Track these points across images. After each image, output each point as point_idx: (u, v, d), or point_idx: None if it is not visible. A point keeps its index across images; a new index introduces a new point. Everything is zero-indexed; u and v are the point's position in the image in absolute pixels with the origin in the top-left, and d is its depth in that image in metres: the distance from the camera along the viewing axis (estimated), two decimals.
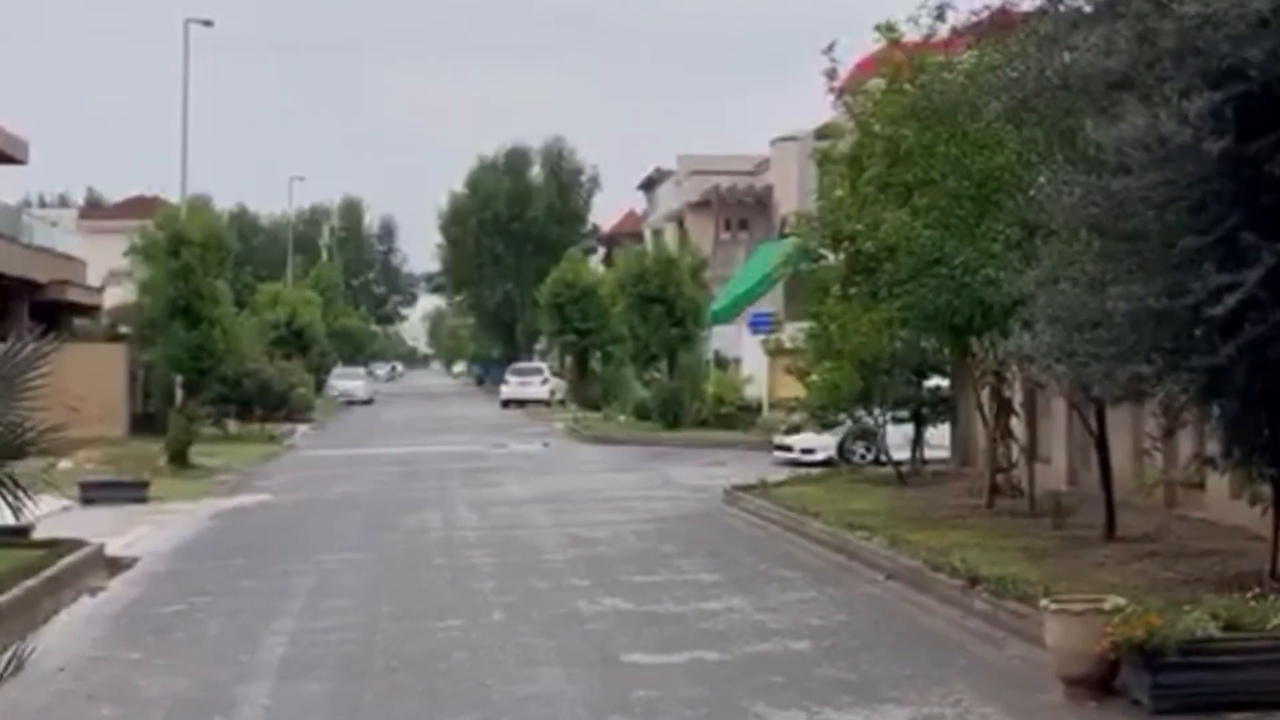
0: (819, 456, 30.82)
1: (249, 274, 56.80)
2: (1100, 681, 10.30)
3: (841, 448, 30.86)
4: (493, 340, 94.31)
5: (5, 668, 12.32)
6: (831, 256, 22.23)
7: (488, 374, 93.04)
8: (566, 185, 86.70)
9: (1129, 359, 11.68)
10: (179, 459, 31.86)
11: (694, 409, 42.63)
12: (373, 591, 16.03)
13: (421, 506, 24.88)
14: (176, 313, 36.56)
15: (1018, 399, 21.93)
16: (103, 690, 11.34)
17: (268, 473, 33.16)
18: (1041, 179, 12.71)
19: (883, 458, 27.25)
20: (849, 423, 28.97)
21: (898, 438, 27.35)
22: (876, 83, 21.19)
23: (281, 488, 29.05)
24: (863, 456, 30.19)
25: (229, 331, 38.01)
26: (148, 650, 12.95)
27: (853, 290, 22.06)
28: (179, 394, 37.48)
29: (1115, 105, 12.12)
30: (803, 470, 26.21)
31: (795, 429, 31.99)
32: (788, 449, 32.59)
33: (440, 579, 16.88)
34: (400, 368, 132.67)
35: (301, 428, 48.33)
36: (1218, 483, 17.41)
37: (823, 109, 23.87)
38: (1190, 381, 11.72)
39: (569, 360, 66.05)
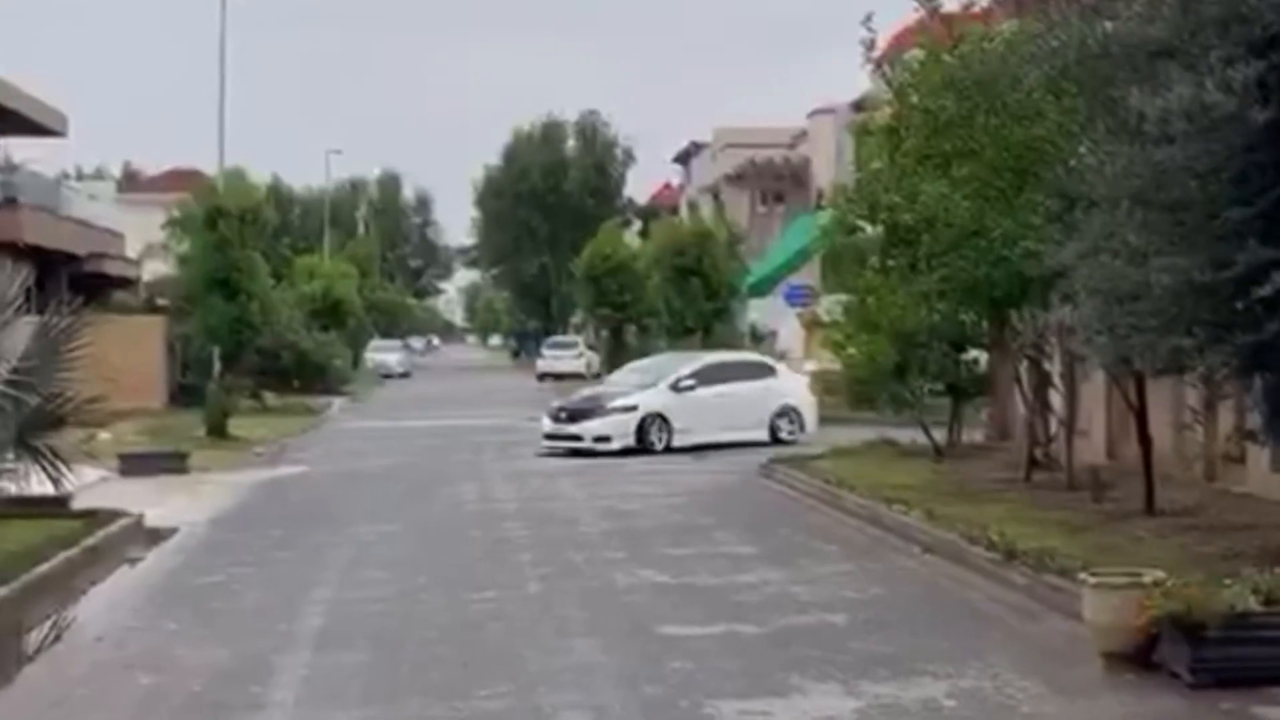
0: (615, 445, 28.55)
1: (285, 246, 56.85)
2: (1139, 655, 10.23)
3: (641, 433, 28.89)
4: (528, 313, 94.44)
5: (45, 637, 12.42)
6: (869, 228, 22.14)
7: (523, 347, 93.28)
8: (602, 158, 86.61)
9: (1170, 332, 11.56)
10: (217, 431, 32.00)
11: None
12: (409, 563, 16.06)
13: (457, 479, 24.92)
14: (214, 285, 36.70)
15: (1056, 372, 21.79)
16: (141, 659, 11.38)
17: (305, 444, 33.27)
18: (1083, 149, 12.58)
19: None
20: (638, 396, 28.86)
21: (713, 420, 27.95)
22: (915, 53, 21.08)
23: (318, 459, 29.15)
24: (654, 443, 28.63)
25: (266, 304, 38.14)
26: (185, 620, 13.01)
27: (890, 262, 21.99)
28: (217, 366, 37.60)
29: (1158, 74, 11.98)
30: (841, 442, 26.06)
31: (582, 412, 29.38)
32: (573, 438, 29.00)
33: (476, 550, 16.90)
34: (437, 341, 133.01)
35: (338, 400, 48.46)
36: (1258, 456, 17.29)
37: (860, 81, 23.80)
38: (1232, 355, 11.60)
39: (605, 333, 66.05)
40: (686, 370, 30.08)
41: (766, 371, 31.70)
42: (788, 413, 30.57)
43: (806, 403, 31.06)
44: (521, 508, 20.97)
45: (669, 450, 28.67)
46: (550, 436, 29.21)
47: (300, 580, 14.93)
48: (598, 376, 61.22)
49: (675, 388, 29.26)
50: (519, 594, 13.98)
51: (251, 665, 11.09)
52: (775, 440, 29.79)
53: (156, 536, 18.27)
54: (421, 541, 17.85)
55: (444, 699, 9.90)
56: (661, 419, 29.11)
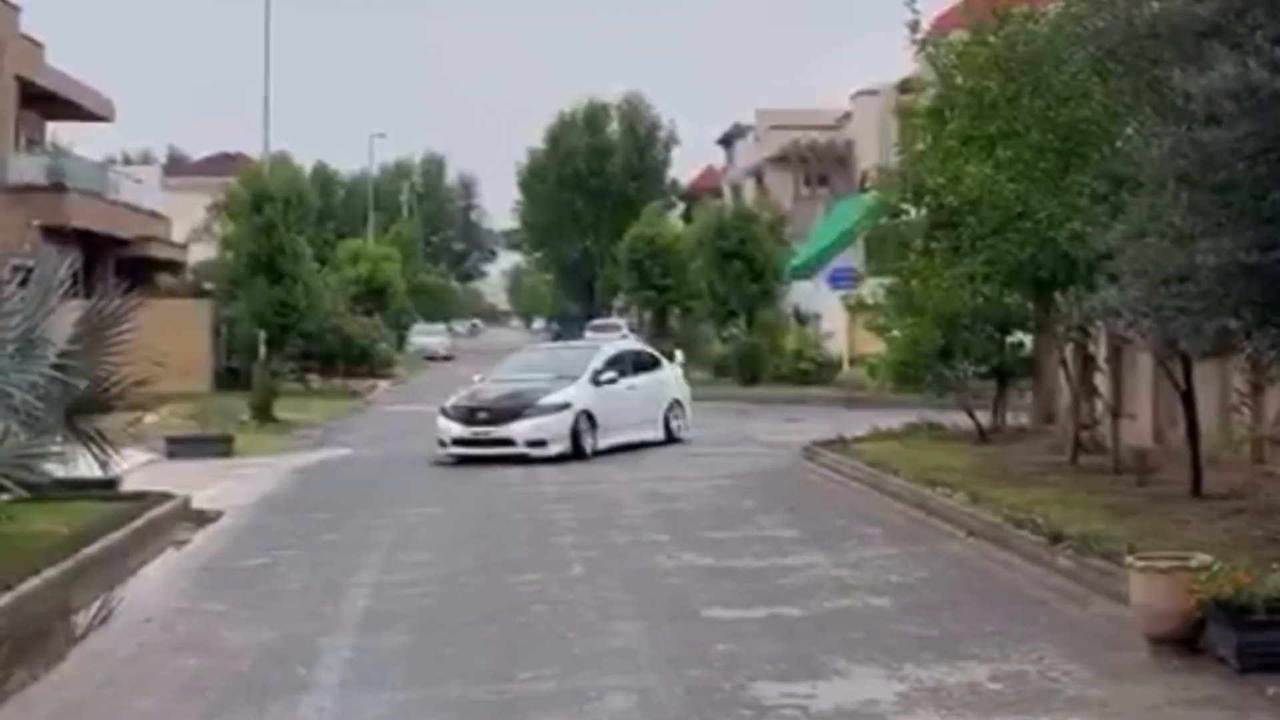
0: (552, 450, 24.77)
1: (329, 230, 57.08)
2: (1186, 639, 10.17)
3: (574, 434, 25.20)
4: (571, 296, 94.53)
5: (94, 618, 12.55)
6: (913, 211, 22.04)
7: (565, 330, 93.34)
8: (645, 141, 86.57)
9: (1217, 314, 11.47)
10: (263, 414, 32.20)
11: (773, 365, 42.55)
12: (453, 545, 16.13)
13: (500, 462, 24.96)
14: (259, 268, 36.90)
15: (1102, 354, 21.67)
16: (188, 641, 11.47)
17: (349, 428, 33.44)
18: (1129, 130, 12.48)
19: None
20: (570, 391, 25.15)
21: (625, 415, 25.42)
22: (960, 34, 20.94)
23: (363, 442, 29.28)
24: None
25: (311, 287, 38.33)
26: (232, 602, 13.10)
27: (934, 245, 21.87)
28: (262, 350, 37.82)
29: (1205, 54, 11.86)
30: (884, 425, 26.00)
31: (508, 411, 25.06)
32: (502, 442, 24.77)
33: (519, 533, 16.96)
34: (480, 324, 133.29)
35: (383, 383, 48.67)
36: None
37: (904, 62, 23.67)
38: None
39: (647, 316, 66.06)
40: (599, 361, 26.75)
41: (656, 363, 28.99)
42: (676, 406, 28.35)
43: (686, 395, 29.09)
44: (564, 490, 21.02)
45: (595, 454, 25.33)
46: (463, 442, 24.80)
47: (345, 563, 15.01)
48: None
49: (596, 381, 25.96)
50: (563, 576, 14.02)
51: (297, 647, 11.15)
52: (670, 438, 27.59)
53: (203, 519, 18.41)
54: (465, 524, 17.92)
55: (487, 681, 9.94)
56: (589, 417, 25.63)
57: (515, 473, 23.51)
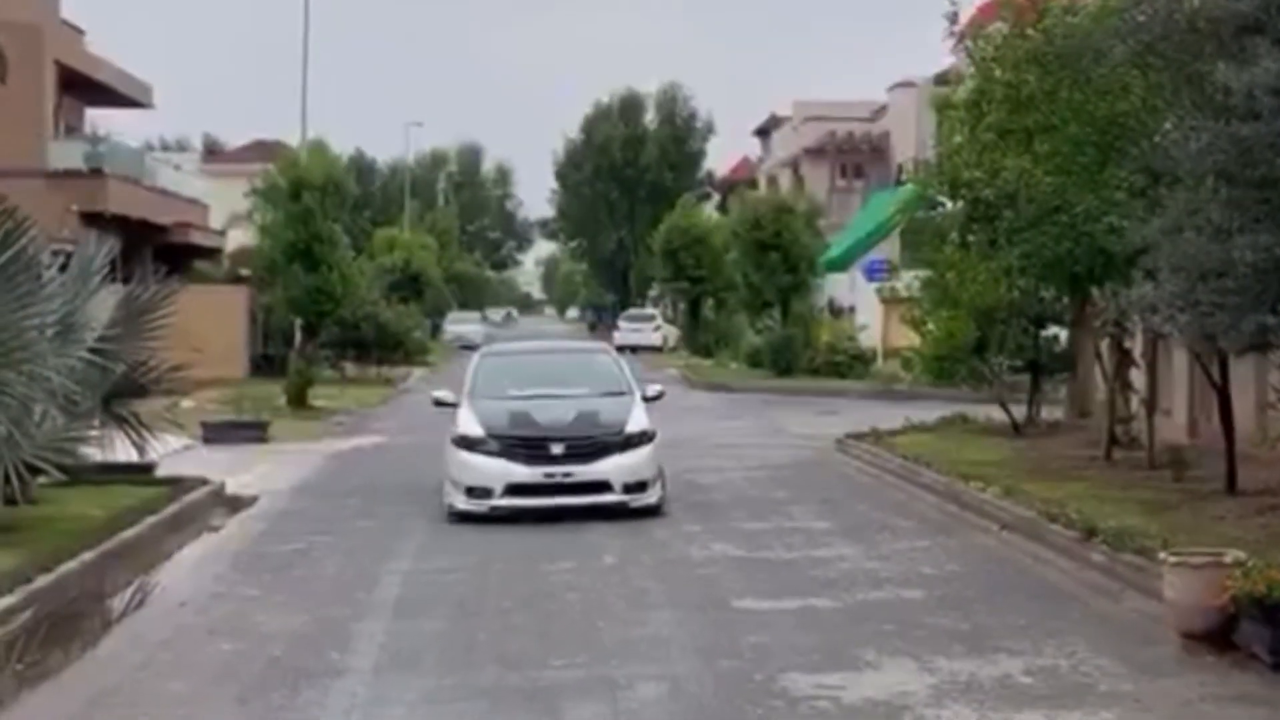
0: (651, 498, 17.31)
1: (366, 219, 57.23)
2: (1219, 636, 10.15)
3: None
4: (606, 286, 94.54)
5: (130, 602, 12.65)
6: (950, 204, 21.98)
7: (600, 320, 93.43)
8: (681, 131, 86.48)
9: (1254, 309, 11.42)
10: (298, 400, 32.36)
11: (807, 357, 42.47)
12: (485, 533, 16.17)
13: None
14: (296, 256, 37.00)
15: (1138, 350, 21.57)
16: (223, 625, 11.57)
17: (383, 415, 33.57)
18: (1168, 125, 12.43)
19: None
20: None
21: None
22: (998, 27, 20.87)
23: (397, 430, 29.38)
24: None
25: (347, 275, 38.43)
26: (267, 587, 13.19)
27: (971, 238, 21.82)
28: (298, 337, 37.95)
29: (1245, 49, 11.81)
30: (917, 418, 25.93)
31: (591, 445, 17.17)
32: (595, 488, 17.07)
33: (552, 524, 16.97)
34: (515, 313, 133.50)
35: (417, 371, 48.78)
36: None
37: (943, 54, 23.60)
38: None
39: (681, 307, 66.04)
40: (627, 370, 19.33)
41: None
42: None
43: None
44: None
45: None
46: (528, 490, 16.97)
47: (379, 549, 15.09)
48: (675, 349, 61.43)
49: (645, 397, 18.34)
50: (595, 565, 14.06)
51: (331, 632, 11.23)
52: None
53: (238, 504, 18.53)
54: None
55: (519, 668, 9.99)
56: None
57: None
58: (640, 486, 17.08)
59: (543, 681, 9.65)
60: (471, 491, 16.91)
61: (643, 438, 17.33)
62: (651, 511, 16.95)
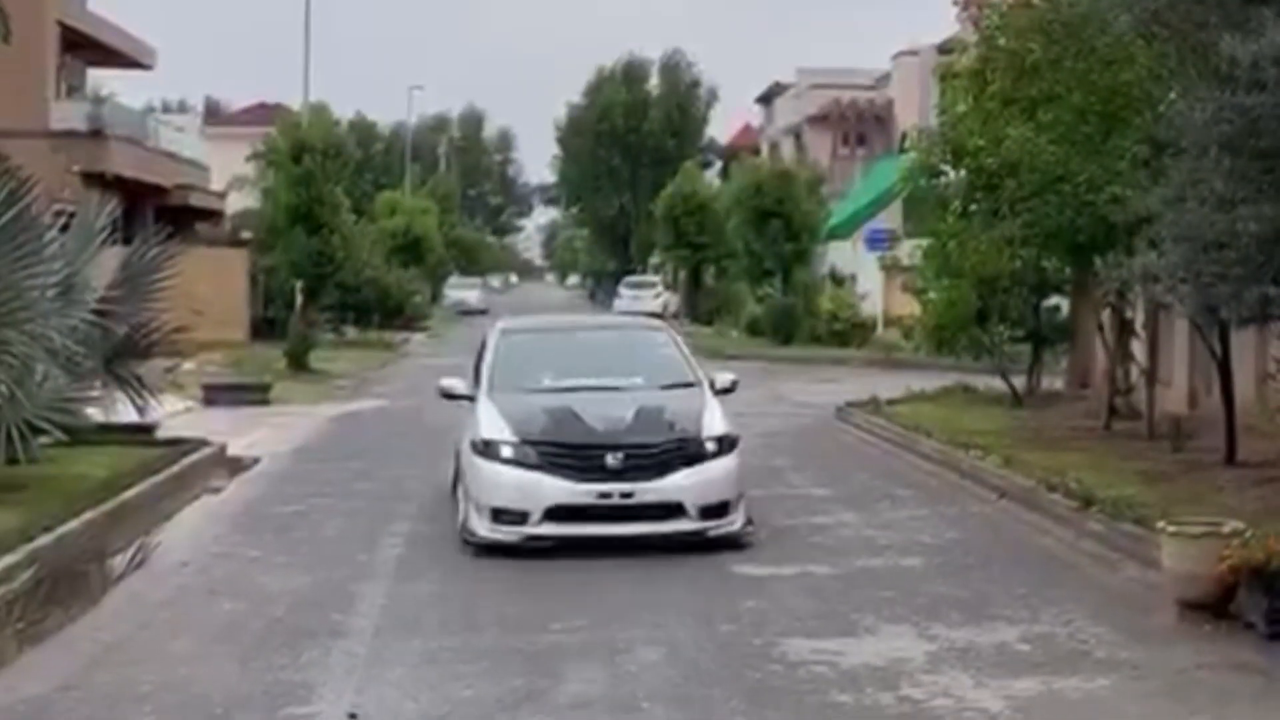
0: (735, 524, 13.22)
1: (368, 182, 57.18)
2: (1216, 605, 10.19)
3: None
4: (606, 253, 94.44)
5: (130, 561, 12.69)
6: (952, 173, 21.95)
7: (600, 287, 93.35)
8: (684, 98, 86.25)
9: (1257, 280, 11.43)
10: (298, 363, 32.42)
11: (808, 325, 42.47)
12: None
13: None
14: (298, 219, 37.02)
15: (1139, 321, 21.58)
16: (224, 585, 11.62)
17: (384, 379, 33.62)
18: (1172, 95, 12.41)
19: None
20: None
21: None
22: None
23: (397, 394, 29.42)
24: None
25: (348, 239, 38.46)
26: (268, 548, 13.23)
27: (973, 207, 21.80)
28: (299, 300, 37.97)
29: (1250, 20, 11.78)
30: (917, 387, 25.94)
31: (655, 455, 13.09)
32: (664, 512, 12.99)
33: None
34: (515, 279, 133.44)
35: (417, 336, 48.90)
36: None
37: (946, 23, 23.56)
38: None
39: (682, 274, 65.98)
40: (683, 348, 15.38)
41: None
42: None
43: None
44: None
45: None
46: (577, 514, 12.93)
47: (380, 512, 15.13)
48: (676, 317, 61.44)
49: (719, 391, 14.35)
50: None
51: (332, 593, 11.28)
52: None
53: (239, 466, 18.57)
54: None
55: (520, 631, 10.03)
56: None
57: None
58: (720, 510, 12.91)
59: (542, 644, 9.69)
60: (499, 515, 12.65)
61: (724, 445, 13.21)
62: (731, 543, 12.84)
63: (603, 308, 76.83)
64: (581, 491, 12.73)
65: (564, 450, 12.84)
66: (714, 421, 13.44)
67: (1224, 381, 17.14)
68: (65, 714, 8.23)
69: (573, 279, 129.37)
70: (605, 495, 12.73)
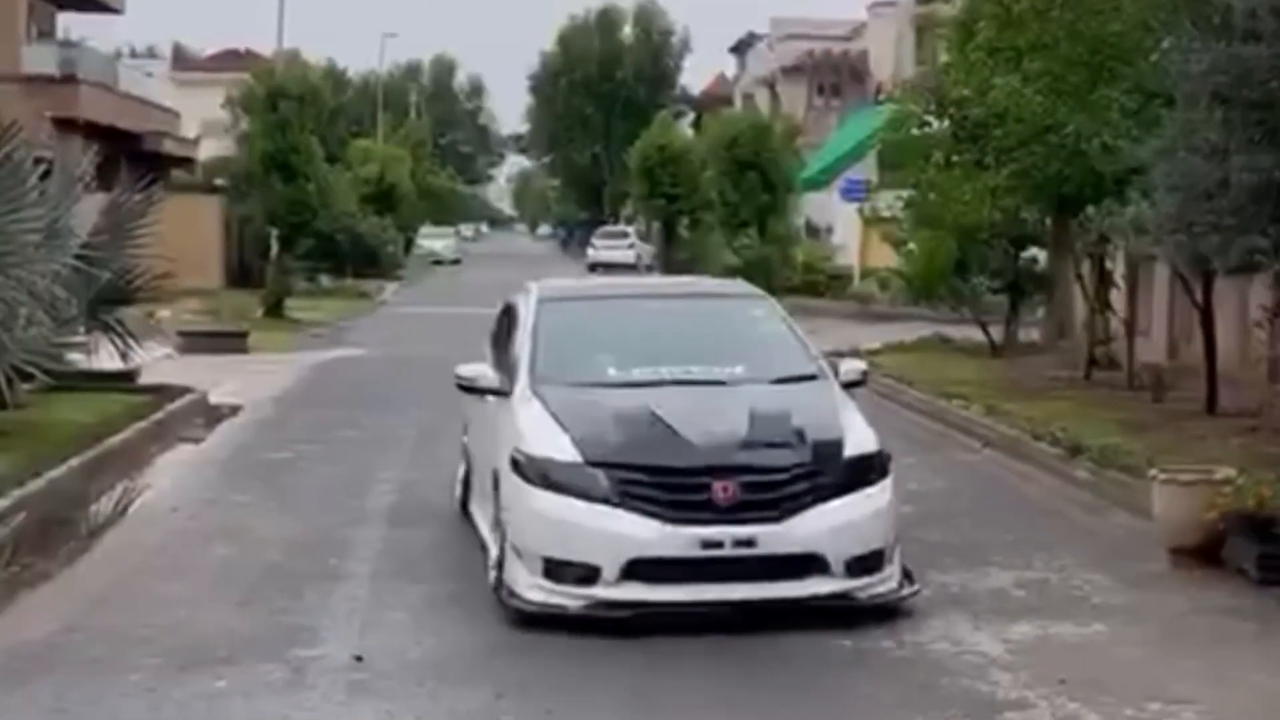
0: (891, 580, 9.30)
1: (344, 129, 56.77)
2: (1206, 551, 10.29)
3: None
4: (579, 203, 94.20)
5: (121, 507, 12.68)
6: (936, 123, 21.95)
7: (572, 237, 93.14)
8: (657, 47, 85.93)
9: (1248, 230, 11.50)
10: (275, 311, 32.31)
11: (784, 276, 42.49)
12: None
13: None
14: (274, 166, 36.79)
15: (1119, 272, 21.68)
16: (216, 530, 11.59)
17: (361, 327, 33.52)
18: (1165, 45, 12.43)
19: None
20: None
21: None
22: None
23: (376, 343, 29.34)
24: None
25: (324, 187, 38.27)
26: (257, 494, 13.21)
27: (956, 158, 21.83)
28: (274, 248, 37.77)
29: None
30: (895, 338, 26.01)
31: (782, 486, 9.09)
32: (794, 568, 8.97)
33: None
34: (485, 229, 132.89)
35: (391, 285, 48.71)
36: None
37: None
38: None
39: (656, 225, 65.84)
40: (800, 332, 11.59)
41: None
42: None
43: None
44: None
45: None
46: (678, 570, 8.90)
47: (366, 458, 15.11)
48: (650, 268, 61.35)
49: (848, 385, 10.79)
50: None
51: (325, 539, 11.27)
52: None
53: (222, 413, 18.53)
54: None
55: None
56: None
57: None
58: (873, 562, 9.14)
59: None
60: (557, 570, 8.86)
61: (874, 466, 9.39)
62: (886, 612, 9.10)
63: (575, 257, 76.78)
64: (678, 538, 8.70)
65: (652, 476, 8.80)
66: (858, 432, 9.49)
67: (1206, 332, 17.25)
68: (71, 655, 8.23)
69: (543, 229, 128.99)
70: (713, 544, 8.72)
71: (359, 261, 44.91)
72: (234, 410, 18.75)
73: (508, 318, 11.36)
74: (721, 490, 8.80)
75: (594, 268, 62.97)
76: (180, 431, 16.97)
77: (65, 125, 36.27)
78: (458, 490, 12.17)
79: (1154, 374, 18.61)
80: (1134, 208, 13.03)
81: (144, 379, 19.18)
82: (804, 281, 41.90)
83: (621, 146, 72.31)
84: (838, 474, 9.11)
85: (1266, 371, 18.28)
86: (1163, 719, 7.34)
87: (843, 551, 8.96)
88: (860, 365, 11.05)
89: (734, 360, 10.24)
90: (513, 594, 8.99)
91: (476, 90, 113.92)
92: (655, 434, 9.06)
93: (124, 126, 41.92)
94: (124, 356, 17.19)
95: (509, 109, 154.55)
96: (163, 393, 18.31)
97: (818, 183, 49.08)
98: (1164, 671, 8.08)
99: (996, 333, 25.02)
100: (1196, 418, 16.36)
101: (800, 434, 9.21)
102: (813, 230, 48.04)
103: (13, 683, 7.77)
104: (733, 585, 8.83)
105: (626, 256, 63.40)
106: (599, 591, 8.77)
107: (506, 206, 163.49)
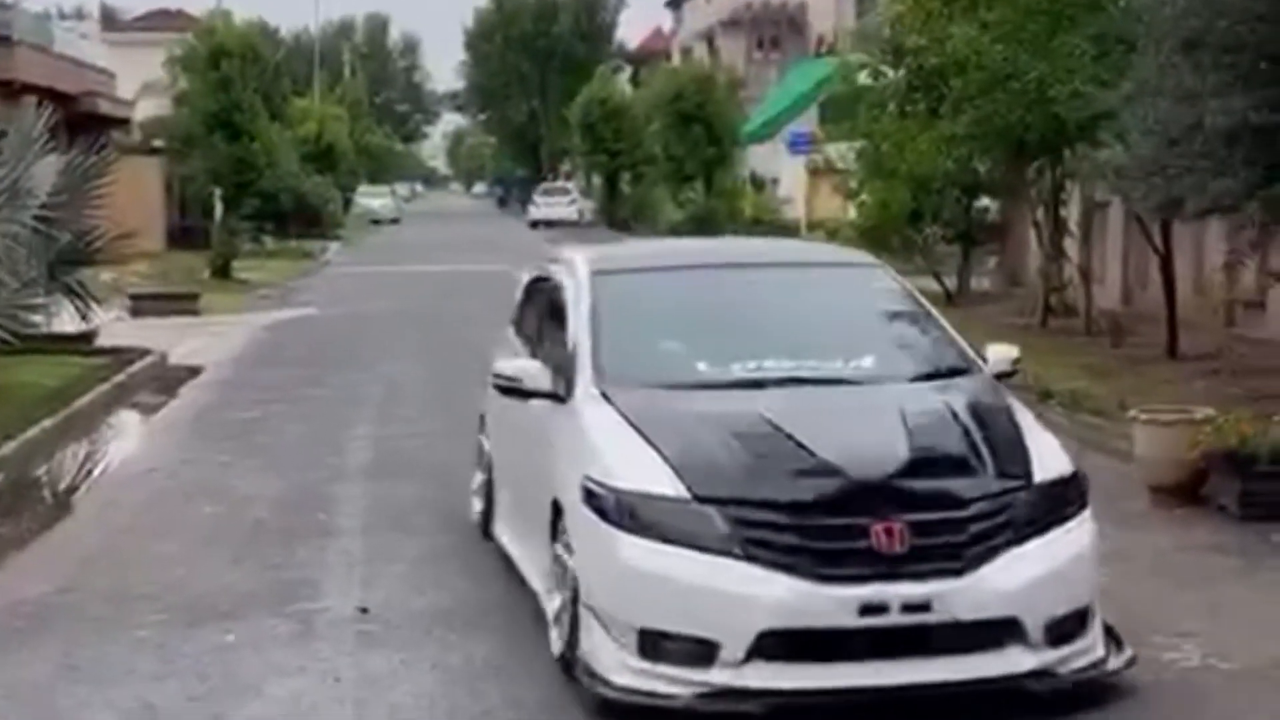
0: (1095, 651, 6.90)
1: (286, 88, 56.10)
2: (1187, 490, 10.46)
3: None
4: (516, 160, 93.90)
5: (96, 467, 12.59)
6: (891, 73, 22.00)
7: (510, 194, 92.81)
8: (592, 1, 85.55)
9: (1222, 173, 11.63)
10: (222, 272, 32.06)
11: (730, 229, 42.57)
12: (443, 401, 16.12)
13: (471, 321, 24.78)
14: (217, 126, 36.42)
15: (1074, 218, 21.89)
16: (199, 489, 11.53)
17: (308, 287, 33.30)
18: None
19: None
20: None
21: None
22: None
23: (325, 302, 29.18)
24: None
25: (268, 146, 37.92)
26: (233, 453, 13.13)
27: (910, 108, 21.89)
28: (218, 208, 37.41)
29: None
30: None
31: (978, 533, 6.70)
32: (983, 637, 6.57)
33: None
34: (420, 187, 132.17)
35: (334, 245, 48.46)
36: (1279, 302, 17.49)
37: None
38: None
39: (596, 180, 65.75)
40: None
41: None
42: None
43: None
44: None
45: None
46: (805, 644, 6.46)
47: (336, 416, 15.07)
48: (592, 224, 61.28)
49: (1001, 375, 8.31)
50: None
51: (310, 495, 11.25)
52: None
53: (184, 374, 18.40)
54: (451, 381, 17.87)
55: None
56: None
57: (489, 334, 23.46)
58: (1075, 625, 6.88)
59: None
60: (657, 646, 6.58)
61: (1068, 493, 7.21)
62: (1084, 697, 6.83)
63: (513, 215, 76.53)
64: (827, 601, 6.39)
65: (788, 516, 6.47)
66: (1045, 447, 7.27)
67: (1166, 277, 17.47)
68: (72, 614, 8.18)
69: (479, 187, 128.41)
70: (874, 608, 6.41)
71: (301, 221, 44.58)
72: (195, 371, 18.62)
73: (543, 296, 9.16)
74: (884, 534, 6.37)
75: (535, 224, 62.88)
76: (144, 393, 16.86)
77: (2, 88, 35.64)
78: (475, 505, 9.88)
79: (1112, 320, 18.83)
80: (1108, 151, 13.15)
81: (101, 341, 19.02)
82: (750, 234, 41.94)
83: (559, 103, 72.11)
84: (1030, 506, 6.75)
85: (1223, 316, 18.56)
86: (1167, 652, 7.46)
87: (1043, 612, 6.56)
88: (1012, 352, 8.24)
89: (858, 350, 7.78)
90: (592, 674, 6.60)
91: (411, 47, 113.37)
92: (784, 455, 6.65)
93: (60, 88, 41.25)
94: (84, 318, 17.05)
95: (443, 66, 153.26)
96: (121, 355, 18.18)
97: (760, 136, 49.14)
98: (1159, 607, 8.23)
99: (949, 283, 25.18)
100: (1157, 362, 16.59)
101: (977, 452, 6.85)
102: (758, 183, 48.11)
103: (16, 641, 7.72)
104: (901, 664, 6.42)
105: (569, 213, 63.29)
106: (717, 675, 6.35)
107: (441, 165, 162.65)
